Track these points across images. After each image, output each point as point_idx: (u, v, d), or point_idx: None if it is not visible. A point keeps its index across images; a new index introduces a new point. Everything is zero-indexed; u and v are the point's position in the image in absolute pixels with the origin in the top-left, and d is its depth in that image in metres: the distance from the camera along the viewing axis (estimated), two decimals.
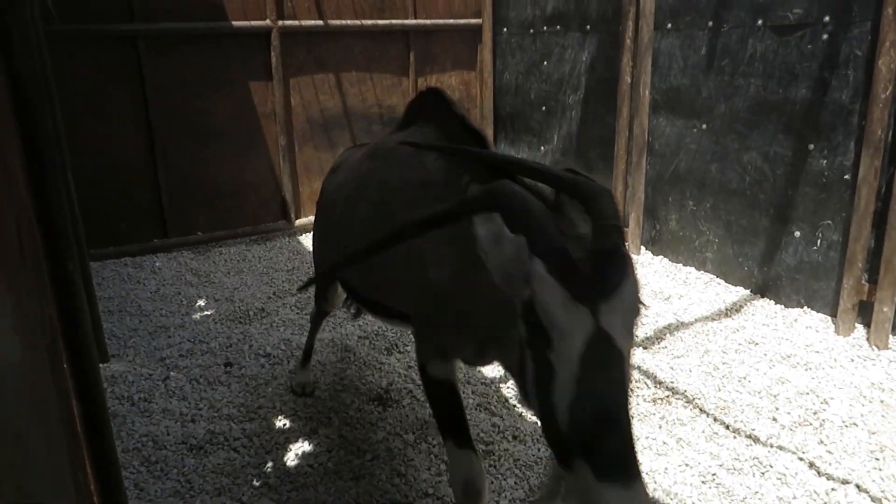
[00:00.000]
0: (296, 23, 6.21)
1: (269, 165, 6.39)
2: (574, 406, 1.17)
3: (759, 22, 4.56)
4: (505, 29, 7.00)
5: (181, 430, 3.27)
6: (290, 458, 3.08)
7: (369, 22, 6.55)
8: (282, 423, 3.36)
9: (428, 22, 6.84)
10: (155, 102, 5.77)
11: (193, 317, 4.59)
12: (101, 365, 3.78)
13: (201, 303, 4.83)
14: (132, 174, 5.81)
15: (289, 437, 3.24)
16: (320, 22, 6.34)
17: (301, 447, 3.17)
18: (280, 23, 6.10)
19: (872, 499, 2.76)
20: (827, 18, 4.17)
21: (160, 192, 5.91)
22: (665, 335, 4.22)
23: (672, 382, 3.68)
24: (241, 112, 6.19)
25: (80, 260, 3.48)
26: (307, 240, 6.34)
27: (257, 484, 2.91)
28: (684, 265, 5.36)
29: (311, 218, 6.59)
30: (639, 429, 3.27)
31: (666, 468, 2.98)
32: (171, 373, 3.80)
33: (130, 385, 3.65)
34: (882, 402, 3.42)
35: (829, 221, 4.31)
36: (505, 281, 1.29)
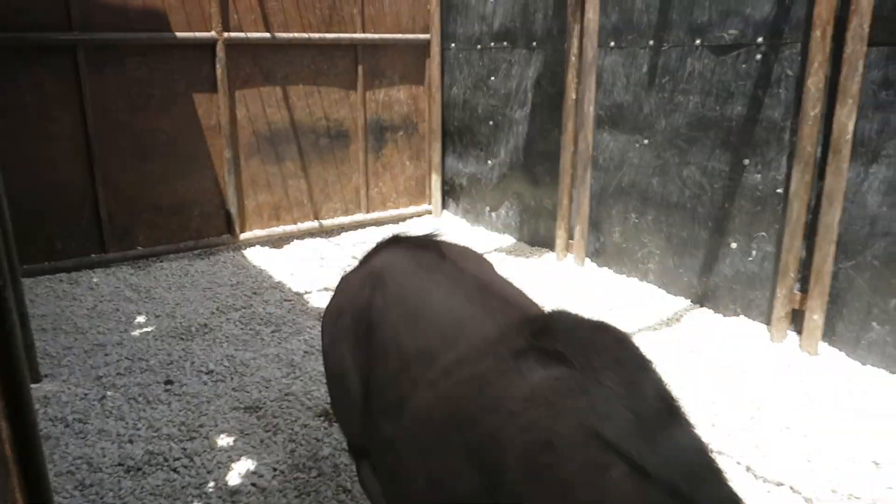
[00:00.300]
0: (242, 35, 6.14)
1: (213, 179, 6.28)
2: None
3: (698, 42, 4.72)
4: (453, 44, 7.07)
5: (118, 451, 3.16)
6: (233, 478, 3.01)
7: (317, 35, 6.53)
8: (225, 441, 3.28)
9: (376, 36, 6.86)
10: (94, 115, 5.61)
11: (132, 333, 4.46)
12: (32, 385, 3.63)
13: (141, 319, 4.70)
14: (68, 189, 5.62)
15: (231, 455, 3.17)
16: (267, 34, 6.28)
17: (245, 466, 3.10)
18: (226, 34, 6.03)
19: (805, 499, 2.85)
20: (760, 39, 4.35)
21: (98, 206, 5.74)
22: None
23: None
24: (185, 125, 6.07)
25: (11, 275, 3.35)
26: (252, 254, 6.24)
27: None
28: (627, 276, 5.47)
29: (257, 231, 6.50)
30: None
31: None
32: (108, 392, 3.68)
33: (64, 405, 3.52)
34: (813, 406, 3.55)
35: (764, 233, 4.47)
36: None
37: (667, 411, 1.45)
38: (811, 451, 3.18)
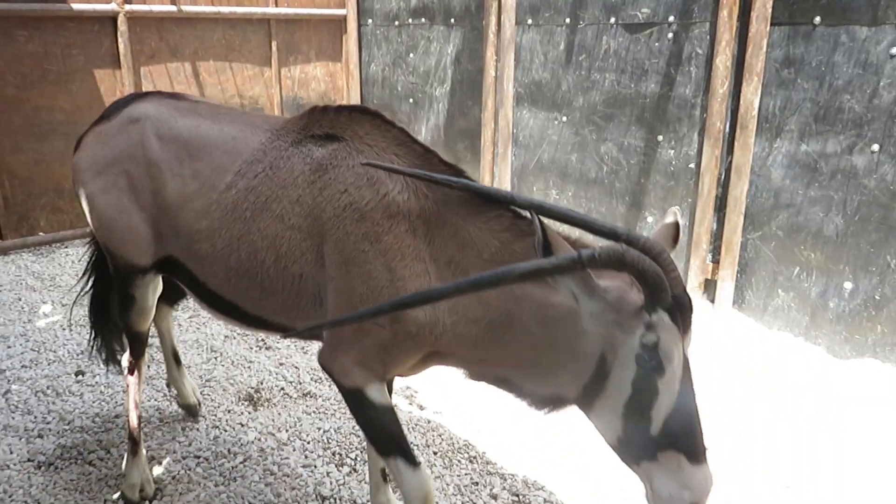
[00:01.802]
0: (145, 7, 5.82)
1: None
2: (672, 415, 1.55)
3: (612, 20, 4.81)
4: (370, 20, 6.94)
5: (27, 446, 2.97)
6: (155, 468, 2.89)
7: (227, 9, 6.27)
8: (143, 431, 3.13)
9: (290, 11, 6.65)
10: None
11: (37, 324, 4.19)
12: None
13: (46, 308, 4.42)
14: None
15: (152, 445, 3.04)
16: (173, 7, 5.98)
17: (165, 456, 2.98)
18: (127, 7, 5.69)
19: (721, 463, 3.00)
20: (671, 18, 4.48)
21: None
22: None
23: None
24: (85, 102, 5.71)
25: None
26: None
27: (116, 498, 2.70)
28: None
29: None
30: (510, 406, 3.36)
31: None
32: (13, 386, 3.45)
33: None
34: (724, 370, 3.73)
35: (678, 207, 4.63)
36: (601, 325, 1.60)
37: (422, 151, 2.00)
38: (725, 414, 3.34)
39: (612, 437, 1.66)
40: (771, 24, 3.98)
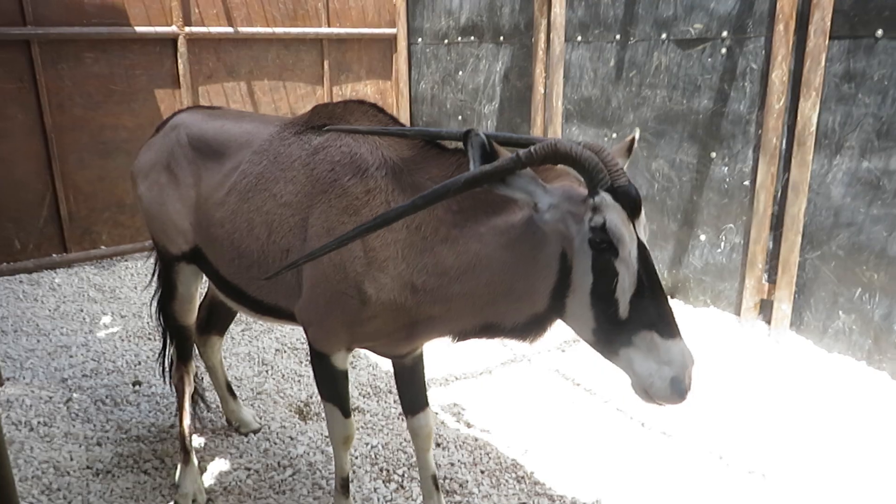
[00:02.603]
0: (204, 29, 6.02)
1: None
2: (636, 294, 1.63)
3: (664, 36, 4.77)
4: (420, 39, 7.03)
5: (86, 454, 3.07)
6: (207, 479, 2.94)
7: (281, 30, 6.43)
8: (197, 441, 3.21)
9: (342, 30, 6.79)
10: (51, 111, 5.44)
11: (98, 335, 4.34)
12: None
13: (106, 320, 4.58)
14: (25, 187, 5.45)
15: (204, 456, 3.10)
16: (230, 29, 6.17)
17: (218, 466, 3.04)
18: (187, 29, 5.90)
19: (776, 486, 2.90)
20: (725, 33, 4.41)
21: (58, 206, 5.58)
22: (577, 340, 4.31)
23: (587, 382, 3.77)
24: (147, 121, 5.92)
25: None
26: None
27: None
28: None
29: None
30: (559, 425, 3.32)
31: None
32: (74, 394, 3.58)
33: (28, 409, 3.40)
34: (781, 393, 3.61)
35: (732, 225, 4.54)
36: (555, 219, 1.71)
37: (423, 148, 2.13)
38: (781, 439, 3.24)
39: (588, 333, 1.75)
40: (830, 38, 3.88)
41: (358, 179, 2.10)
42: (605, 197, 1.63)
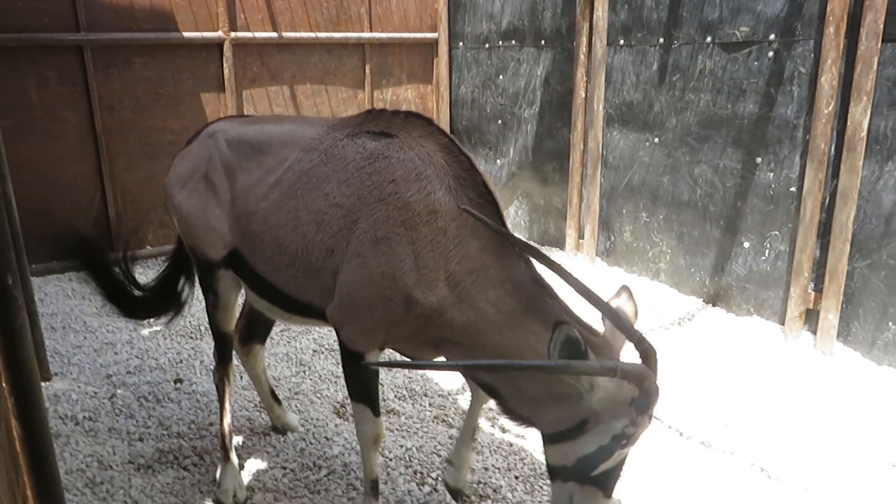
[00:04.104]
0: (249, 34, 6.13)
1: None
2: (611, 469, 1.97)
3: (708, 39, 4.68)
4: (461, 43, 7.04)
5: (128, 449, 3.15)
6: (244, 476, 2.99)
7: (324, 34, 6.51)
8: (235, 440, 3.25)
9: (384, 35, 6.84)
10: (101, 114, 5.61)
11: (142, 332, 4.44)
12: (42, 383, 3.62)
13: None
14: (75, 188, 5.63)
15: (242, 454, 3.14)
16: (274, 34, 6.27)
17: (255, 464, 3.08)
18: (233, 34, 6.02)
19: (820, 501, 2.81)
20: (772, 37, 4.31)
21: (107, 206, 5.74)
22: None
23: None
24: (192, 124, 6.05)
25: (21, 274, 3.34)
26: None
27: (209, 503, 2.81)
28: (638, 275, 5.43)
29: None
30: None
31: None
32: (118, 390, 3.67)
33: (74, 404, 3.51)
34: (828, 406, 3.51)
35: (777, 232, 4.43)
36: (603, 407, 1.90)
37: (469, 166, 2.19)
38: (827, 452, 3.14)
39: (557, 463, 2.03)
40: (883, 41, 3.76)
41: (422, 197, 2.12)
42: (644, 419, 1.92)
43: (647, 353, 1.88)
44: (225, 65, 6.05)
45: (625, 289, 2.22)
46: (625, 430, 1.89)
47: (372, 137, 2.30)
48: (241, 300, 3.03)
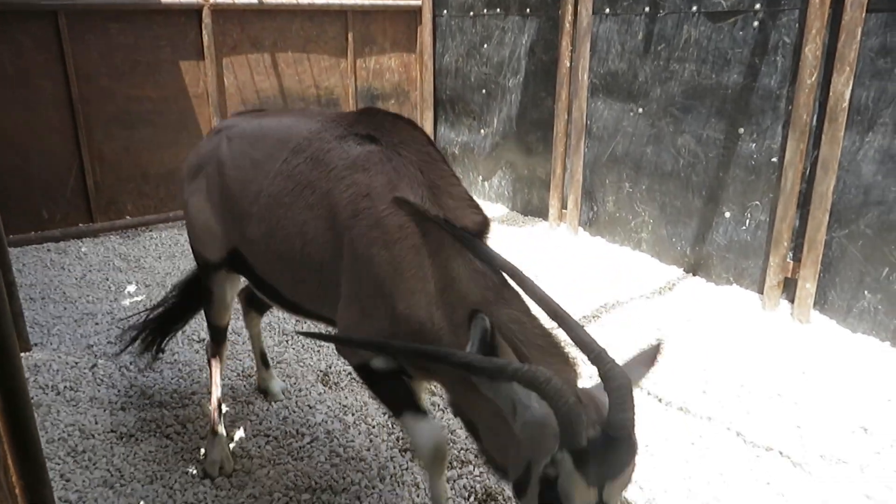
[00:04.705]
0: (228, 0, 6.00)
1: None
2: None
3: (694, 8, 4.65)
4: (445, 11, 6.95)
5: (110, 418, 3.14)
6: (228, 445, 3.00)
7: (305, 1, 6.39)
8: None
9: (366, 2, 6.73)
10: (78, 82, 5.49)
11: (122, 303, 4.41)
12: (22, 354, 3.60)
13: (131, 288, 4.65)
14: (52, 157, 5.53)
15: (225, 423, 3.15)
16: (255, 0, 6.15)
17: (238, 432, 3.09)
18: (211, 0, 5.89)
19: (794, 464, 2.88)
20: (758, 6, 4.29)
21: (85, 176, 5.65)
22: (601, 314, 4.29)
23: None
24: (171, 93, 5.96)
25: None
26: None
27: (192, 471, 2.82)
28: (620, 245, 5.46)
29: None
30: None
31: None
32: (99, 360, 3.65)
33: (55, 374, 3.49)
34: (804, 373, 3.57)
35: (758, 202, 4.46)
36: (527, 437, 1.61)
37: (450, 175, 2.10)
38: (801, 417, 3.20)
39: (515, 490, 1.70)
40: (867, 11, 3.75)
41: (392, 213, 1.98)
42: (566, 459, 1.46)
43: (608, 376, 1.52)
44: (204, 31, 5.94)
45: (655, 348, 1.80)
46: (546, 472, 1.51)
47: (357, 142, 2.19)
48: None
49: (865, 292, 3.93)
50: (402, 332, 1.98)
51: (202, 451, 2.93)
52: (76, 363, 3.61)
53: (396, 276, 1.96)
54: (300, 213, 2.20)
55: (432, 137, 7.39)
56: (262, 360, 3.39)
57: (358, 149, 2.16)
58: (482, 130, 6.81)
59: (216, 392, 2.92)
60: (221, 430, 2.88)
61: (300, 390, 3.44)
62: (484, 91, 6.67)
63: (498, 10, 6.31)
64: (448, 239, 1.94)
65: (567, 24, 5.50)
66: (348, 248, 2.05)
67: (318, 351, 3.84)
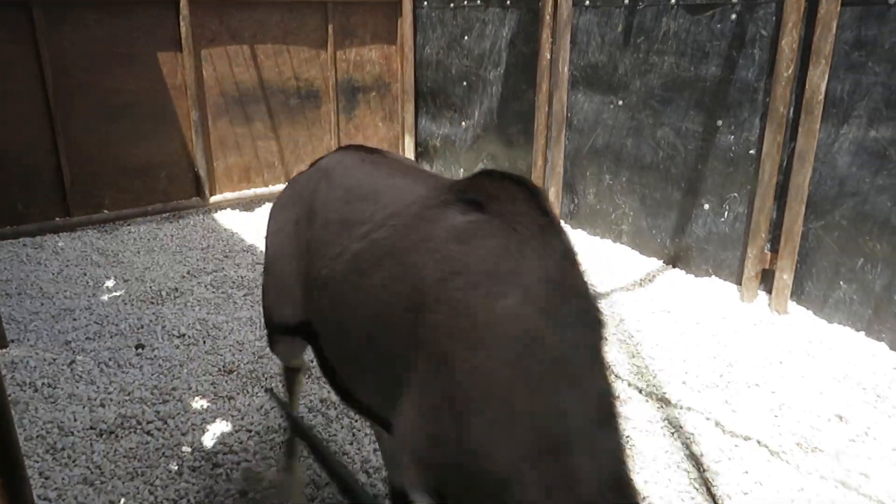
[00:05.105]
0: None
1: (180, 141, 6.12)
2: None
3: (673, 0, 4.68)
4: (425, 2, 6.92)
5: (90, 415, 3.12)
6: (208, 440, 2.99)
7: None
8: (199, 404, 3.25)
9: None
10: (53, 74, 5.40)
11: (101, 298, 4.37)
12: None
13: (109, 283, 4.61)
14: (28, 151, 5.43)
15: (206, 418, 3.14)
16: None
17: (219, 428, 3.08)
18: None
19: (771, 452, 2.93)
20: None
21: (61, 170, 5.57)
22: None
23: None
24: (149, 85, 5.89)
25: None
26: (222, 217, 6.14)
27: (174, 467, 2.81)
28: (601, 237, 5.50)
29: (227, 194, 6.40)
30: None
31: None
32: (78, 356, 3.62)
33: (32, 370, 3.45)
34: (781, 363, 3.63)
35: (736, 194, 4.51)
36: None
37: (571, 264, 1.55)
38: (778, 406, 3.26)
39: None
40: (842, 5, 3.80)
41: (486, 303, 1.45)
42: None
43: None
44: (182, 23, 5.86)
45: None
46: None
47: (463, 210, 1.67)
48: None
49: (841, 283, 3.99)
50: (474, 484, 1.38)
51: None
52: (54, 359, 3.57)
53: (478, 394, 1.38)
54: (376, 287, 1.73)
55: (414, 130, 7.38)
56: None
57: (462, 217, 1.66)
58: (463, 123, 6.80)
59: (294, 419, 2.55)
60: (297, 467, 2.64)
61: (281, 386, 3.43)
62: (465, 83, 6.66)
63: (478, 1, 6.30)
64: (576, 357, 1.40)
65: (547, 16, 5.50)
66: (423, 341, 1.53)
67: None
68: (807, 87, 3.95)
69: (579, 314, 1.46)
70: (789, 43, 4.01)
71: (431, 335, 1.50)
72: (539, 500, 1.28)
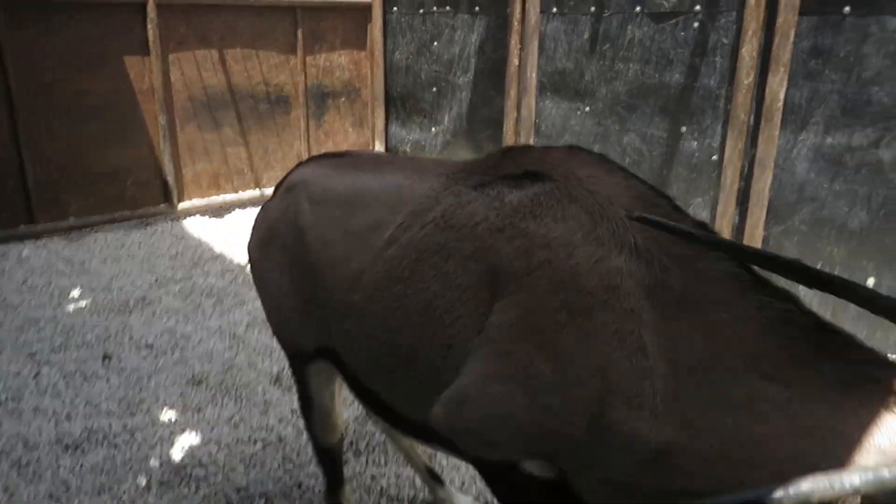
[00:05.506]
0: None
1: (148, 146, 6.06)
2: None
3: (638, 8, 4.75)
4: (395, 8, 6.94)
5: (55, 428, 3.08)
6: (177, 453, 2.98)
7: None
8: (167, 416, 3.23)
9: None
10: (16, 75, 5.32)
11: (67, 308, 4.31)
12: None
13: (75, 293, 4.55)
14: None
15: (174, 430, 3.13)
16: None
17: (188, 440, 3.07)
18: None
19: None
20: (698, 7, 4.41)
21: (25, 176, 5.48)
22: None
23: None
24: (116, 88, 5.82)
25: None
26: (191, 224, 6.09)
27: (142, 481, 2.80)
28: None
29: (196, 201, 6.35)
30: None
31: None
32: (43, 368, 3.57)
33: None
34: None
35: (700, 199, 4.60)
36: None
37: (673, 210, 1.53)
38: None
39: None
40: (799, 14, 3.90)
41: (591, 267, 1.39)
42: None
43: None
44: (149, 26, 5.81)
45: None
46: None
47: (512, 185, 1.61)
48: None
49: (800, 287, 4.09)
50: (612, 451, 1.35)
51: None
52: (18, 372, 3.52)
53: (599, 358, 1.35)
54: (428, 285, 1.63)
55: (384, 136, 7.40)
56: (432, 476, 2.61)
57: (517, 194, 1.58)
58: (433, 128, 6.83)
59: None
60: None
61: (251, 396, 3.42)
62: (434, 89, 6.69)
63: (447, 7, 6.34)
64: (701, 280, 1.35)
65: (515, 23, 5.55)
66: (516, 320, 1.45)
67: (270, 356, 3.83)
68: (766, 94, 4.05)
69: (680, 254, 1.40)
70: (749, 51, 4.11)
71: (522, 314, 1.44)
72: (686, 459, 1.27)
